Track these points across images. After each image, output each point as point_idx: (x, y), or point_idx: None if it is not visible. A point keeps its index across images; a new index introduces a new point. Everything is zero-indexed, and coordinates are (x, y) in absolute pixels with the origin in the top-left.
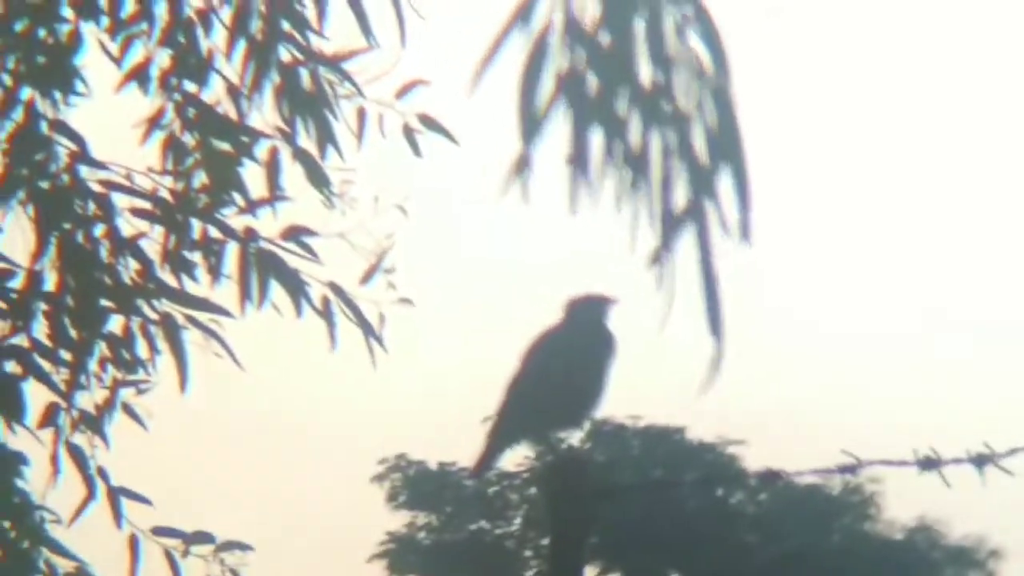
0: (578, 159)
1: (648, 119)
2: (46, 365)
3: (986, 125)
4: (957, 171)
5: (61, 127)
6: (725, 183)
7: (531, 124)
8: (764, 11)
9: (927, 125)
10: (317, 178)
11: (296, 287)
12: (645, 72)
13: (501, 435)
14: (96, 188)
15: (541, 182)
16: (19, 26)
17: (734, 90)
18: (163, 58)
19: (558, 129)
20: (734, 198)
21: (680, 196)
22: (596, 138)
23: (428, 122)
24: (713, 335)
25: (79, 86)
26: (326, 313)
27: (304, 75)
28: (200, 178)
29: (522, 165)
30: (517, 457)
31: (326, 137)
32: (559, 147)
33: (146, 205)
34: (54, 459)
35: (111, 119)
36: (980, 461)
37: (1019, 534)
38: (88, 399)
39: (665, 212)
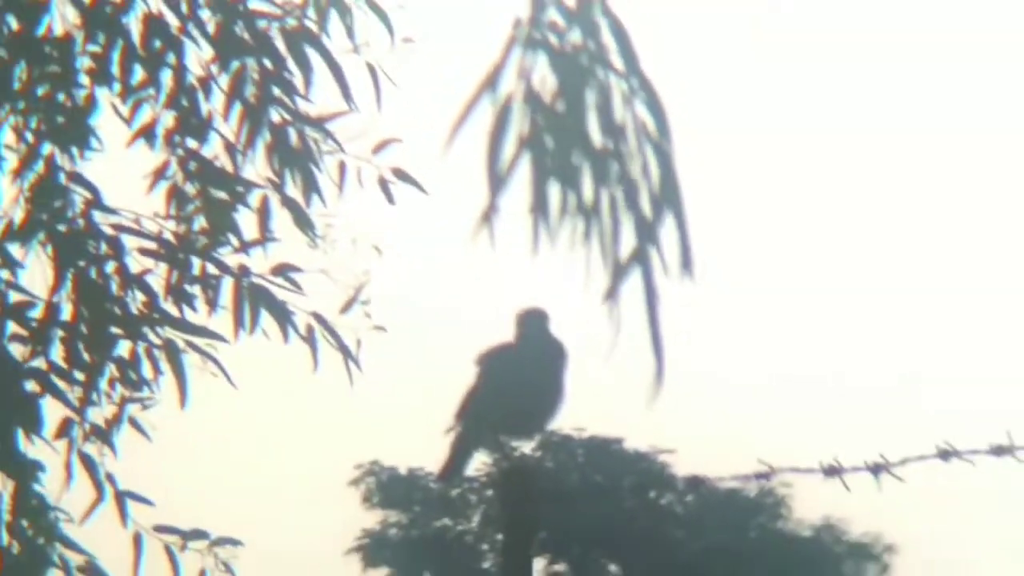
0: (538, 210)
1: (599, 176)
2: (62, 384)
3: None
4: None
5: (77, 178)
6: (668, 231)
7: (497, 179)
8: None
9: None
10: (302, 222)
11: (283, 316)
12: (596, 135)
13: (461, 443)
14: (108, 231)
15: (505, 229)
16: (41, 91)
17: (675, 150)
18: (168, 119)
19: (520, 183)
20: (676, 243)
21: (627, 243)
22: (554, 192)
23: (400, 175)
24: (655, 359)
25: (93, 142)
26: (310, 339)
27: (292, 134)
28: (200, 222)
29: (489, 214)
30: (476, 463)
31: (311, 187)
32: (521, 199)
33: (152, 245)
34: (67, 466)
35: (122, 171)
36: (876, 469)
37: (909, 530)
38: (98, 414)
39: (615, 257)
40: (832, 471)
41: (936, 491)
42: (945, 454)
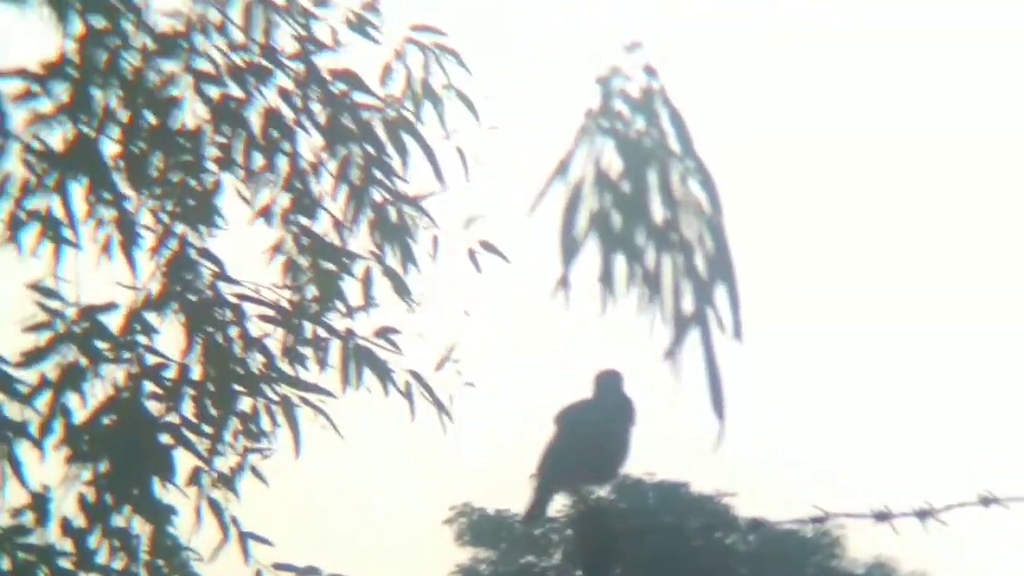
0: (606, 278)
1: (660, 246)
2: (192, 437)
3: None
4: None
5: (206, 253)
6: (721, 295)
7: (570, 250)
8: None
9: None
10: (401, 289)
11: (384, 373)
12: (657, 211)
13: (542, 489)
14: (232, 299)
15: (578, 295)
16: (175, 177)
17: (726, 223)
18: (284, 199)
19: (591, 255)
20: (728, 307)
21: (687, 305)
22: (620, 262)
23: (487, 246)
24: (716, 411)
25: (219, 222)
26: (408, 394)
27: (391, 211)
28: (311, 291)
29: (563, 281)
30: (557, 506)
31: (408, 258)
32: (592, 268)
33: (270, 312)
34: (197, 510)
35: (244, 247)
36: (922, 515)
37: (957, 567)
38: (224, 463)
39: (676, 317)
40: (882, 516)
41: (981, 531)
42: (986, 501)
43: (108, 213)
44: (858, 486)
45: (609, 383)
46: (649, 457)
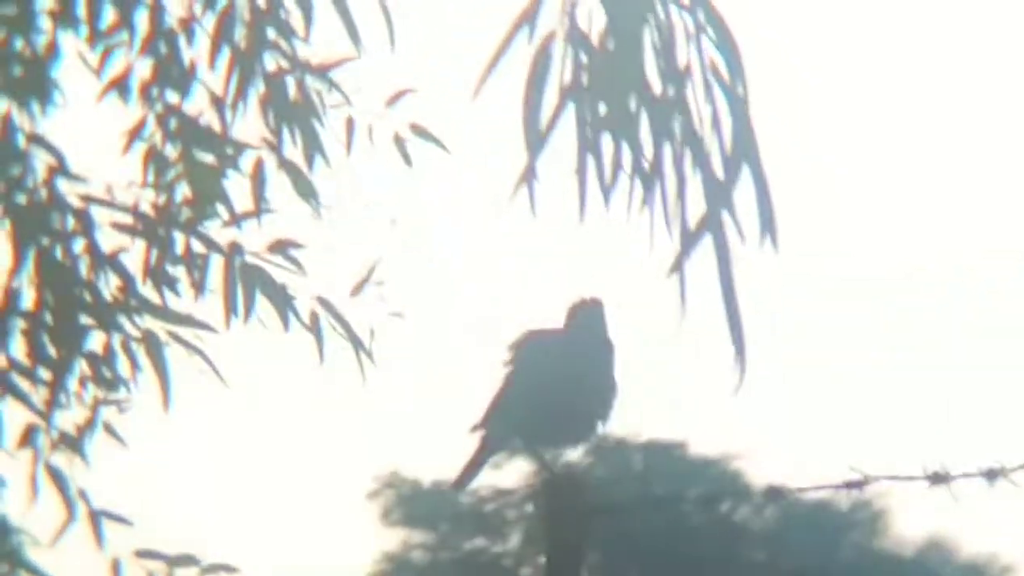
0: (584, 171)
1: (660, 128)
2: (24, 384)
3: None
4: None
5: (38, 140)
6: (741, 192)
7: (536, 135)
8: None
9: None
10: (304, 189)
11: (283, 301)
12: (655, 80)
13: (485, 446)
14: (75, 202)
15: (546, 194)
16: None
17: (750, 97)
18: (144, 68)
19: (564, 139)
20: (754, 207)
21: (695, 206)
22: (606, 149)
23: (419, 131)
24: (735, 340)
25: (56, 97)
26: (314, 327)
27: (290, 84)
28: (183, 191)
29: (527, 176)
30: (515, 474)
31: (313, 147)
32: (565, 158)
33: (127, 219)
34: (32, 480)
35: (90, 132)
36: (991, 475)
37: None
38: (68, 419)
39: (681, 223)
40: (938, 478)
41: None
42: None
43: None
44: (909, 448)
45: (587, 315)
46: (634, 413)
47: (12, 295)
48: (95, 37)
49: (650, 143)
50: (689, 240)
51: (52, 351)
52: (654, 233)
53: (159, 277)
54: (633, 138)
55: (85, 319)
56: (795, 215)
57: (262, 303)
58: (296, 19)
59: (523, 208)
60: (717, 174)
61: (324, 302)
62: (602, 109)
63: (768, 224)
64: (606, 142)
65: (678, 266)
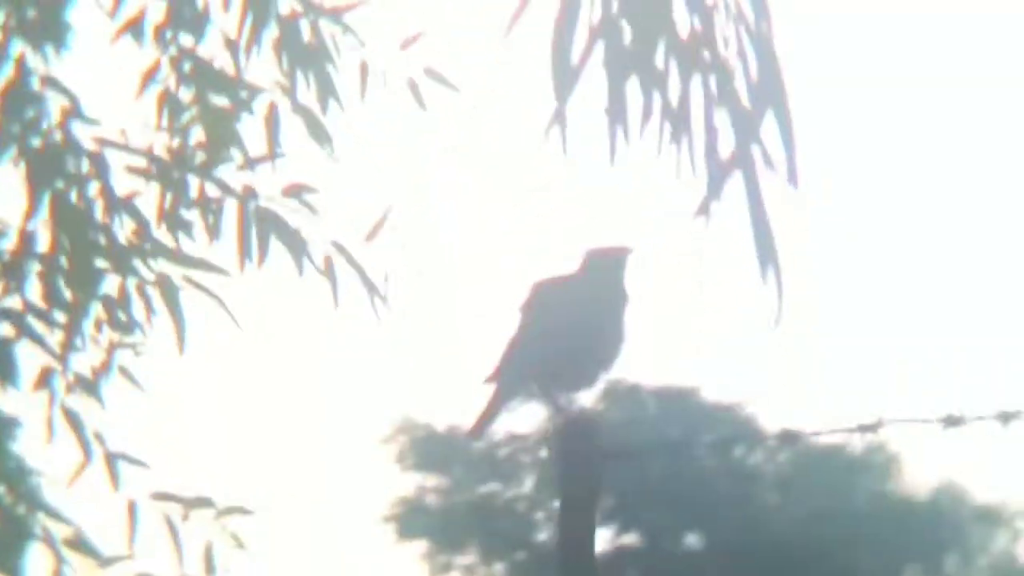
0: (616, 110)
1: (687, 67)
2: (40, 327)
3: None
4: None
5: (53, 83)
6: (769, 128)
7: (565, 75)
8: None
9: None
10: (318, 133)
11: (297, 245)
12: (682, 20)
13: (500, 394)
14: (89, 145)
15: (575, 136)
16: None
17: (774, 35)
18: (158, 10)
19: (593, 80)
20: (779, 143)
21: (725, 143)
22: (634, 89)
23: (434, 75)
24: (771, 270)
25: (70, 39)
26: (329, 272)
27: (304, 27)
28: (197, 134)
29: (557, 117)
30: (529, 418)
31: (327, 91)
32: (595, 99)
33: (141, 162)
34: (48, 422)
35: (105, 74)
36: (1006, 418)
37: None
38: (83, 361)
39: (711, 159)
40: (953, 421)
41: None
42: None
43: None
44: (924, 393)
45: (604, 263)
46: (648, 357)
47: (27, 238)
48: None
49: (679, 83)
50: (718, 176)
51: (68, 294)
52: (682, 172)
53: (174, 221)
54: (662, 79)
55: (100, 262)
56: (817, 156)
57: (276, 247)
58: None
59: (553, 150)
60: (746, 110)
61: (338, 246)
62: (630, 50)
63: (791, 164)
64: (633, 83)
65: (708, 202)
